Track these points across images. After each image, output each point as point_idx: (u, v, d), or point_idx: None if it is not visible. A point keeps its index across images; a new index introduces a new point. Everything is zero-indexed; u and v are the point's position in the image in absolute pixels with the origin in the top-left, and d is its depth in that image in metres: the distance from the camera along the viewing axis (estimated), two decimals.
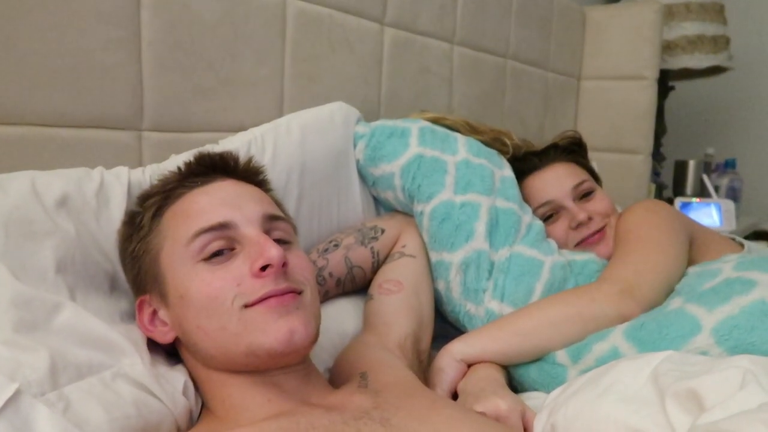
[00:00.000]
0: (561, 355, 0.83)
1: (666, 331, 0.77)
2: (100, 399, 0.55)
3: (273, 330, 0.58)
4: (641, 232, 0.95)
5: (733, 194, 2.19)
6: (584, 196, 1.09)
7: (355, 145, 1.04)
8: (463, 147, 1.04)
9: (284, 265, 0.60)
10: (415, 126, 1.05)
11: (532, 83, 1.68)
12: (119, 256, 0.71)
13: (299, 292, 0.61)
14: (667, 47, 1.98)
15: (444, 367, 0.83)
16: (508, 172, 1.07)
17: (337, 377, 0.75)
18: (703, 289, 0.83)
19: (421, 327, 0.88)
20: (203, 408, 0.66)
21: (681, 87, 2.26)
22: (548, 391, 0.81)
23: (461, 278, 0.93)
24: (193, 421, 0.65)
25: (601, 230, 1.06)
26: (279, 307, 0.59)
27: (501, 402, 0.71)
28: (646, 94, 1.80)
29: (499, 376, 0.82)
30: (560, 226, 1.08)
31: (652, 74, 1.80)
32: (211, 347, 0.61)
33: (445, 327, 1.00)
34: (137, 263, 0.66)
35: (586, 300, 0.85)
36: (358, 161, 1.04)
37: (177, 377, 0.64)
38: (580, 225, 1.05)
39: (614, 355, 0.78)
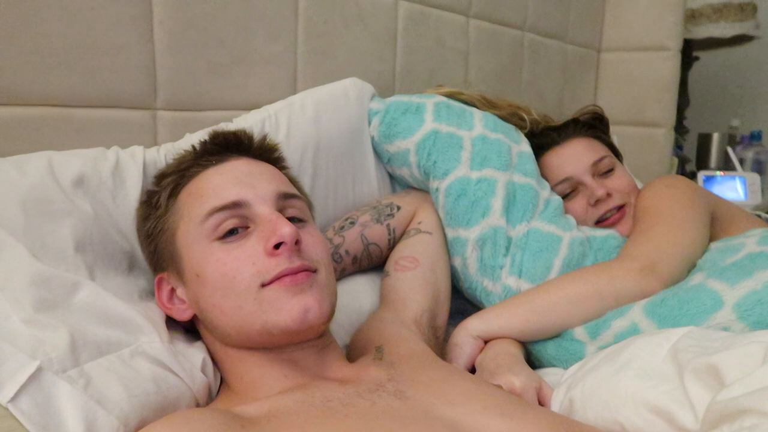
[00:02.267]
0: (579, 332, 0.83)
1: (687, 307, 0.76)
2: (119, 376, 0.56)
3: (287, 308, 0.58)
4: (662, 207, 0.94)
5: (759, 167, 2.14)
6: (604, 172, 1.07)
7: (369, 122, 1.03)
8: (479, 122, 1.02)
9: (297, 243, 0.60)
10: (430, 101, 1.04)
11: (551, 56, 1.64)
12: (137, 235, 0.71)
13: (313, 270, 0.61)
14: (691, 16, 1.92)
15: (460, 344, 0.83)
16: (525, 147, 1.05)
17: (354, 353, 0.75)
18: (726, 264, 0.82)
19: (438, 303, 0.88)
20: (222, 383, 0.67)
21: (705, 57, 2.20)
22: (566, 367, 0.80)
23: (478, 255, 0.92)
24: (212, 396, 0.66)
25: (621, 209, 1.04)
26: (293, 286, 0.59)
27: (515, 379, 0.71)
28: (669, 65, 1.75)
29: (516, 351, 0.81)
30: (579, 203, 1.06)
31: (676, 44, 1.74)
32: (228, 325, 0.61)
33: (463, 303, 1.00)
34: (154, 242, 0.67)
35: (605, 277, 0.84)
36: (372, 138, 1.03)
37: (195, 354, 0.65)
38: (598, 201, 1.03)
39: (633, 332, 0.77)
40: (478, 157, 0.97)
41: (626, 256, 0.87)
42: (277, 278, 0.59)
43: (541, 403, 0.71)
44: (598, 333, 0.81)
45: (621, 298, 0.82)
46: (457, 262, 0.95)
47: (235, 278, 0.59)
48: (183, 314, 0.65)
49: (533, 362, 0.88)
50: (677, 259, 0.86)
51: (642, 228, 0.92)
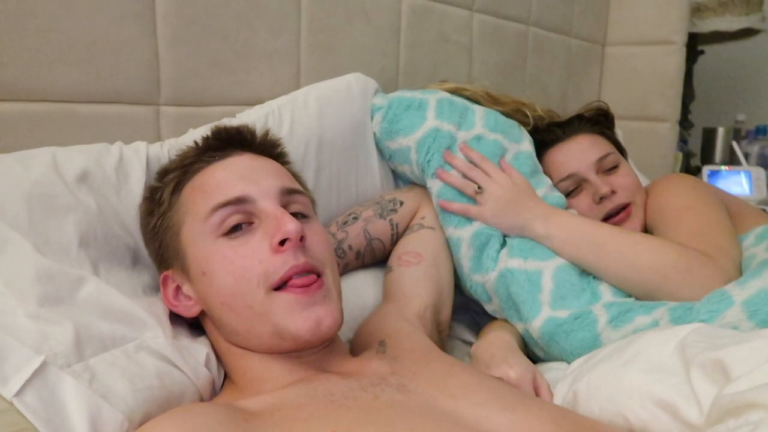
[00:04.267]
0: (602, 322, 0.81)
1: (697, 307, 0.75)
2: (124, 370, 0.56)
3: (300, 319, 0.59)
4: (710, 213, 0.91)
5: (764, 162, 2.12)
6: (608, 169, 1.06)
7: (372, 117, 1.03)
8: (480, 121, 1.01)
9: (302, 239, 0.60)
10: (433, 97, 1.03)
11: (555, 50, 1.63)
12: (141, 231, 0.71)
13: (320, 274, 0.61)
14: (697, 9, 1.91)
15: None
16: (526, 146, 1.03)
17: (357, 348, 0.75)
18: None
19: (441, 298, 0.88)
20: (226, 379, 0.67)
21: (711, 51, 2.18)
22: (570, 360, 0.80)
23: (472, 254, 0.91)
24: (216, 391, 0.66)
25: (626, 207, 1.02)
26: (306, 297, 0.59)
27: (511, 370, 0.71)
28: (674, 59, 1.74)
29: (510, 339, 0.81)
30: (584, 200, 1.04)
31: (681, 38, 1.74)
32: (238, 323, 0.61)
33: (466, 299, 0.99)
34: (159, 238, 0.67)
35: (691, 279, 0.80)
36: (375, 134, 1.03)
37: (199, 349, 0.65)
38: (603, 199, 1.02)
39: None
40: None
41: (715, 263, 0.82)
42: (287, 281, 0.59)
43: (536, 393, 0.71)
44: (620, 324, 0.79)
45: (676, 295, 0.80)
46: (455, 260, 0.94)
47: (243, 276, 0.59)
48: (190, 311, 0.65)
49: (536, 354, 0.88)
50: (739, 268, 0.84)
51: (701, 230, 0.88)
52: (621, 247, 0.85)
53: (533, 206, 0.92)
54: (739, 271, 0.83)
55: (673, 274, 0.80)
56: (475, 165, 0.95)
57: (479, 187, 0.93)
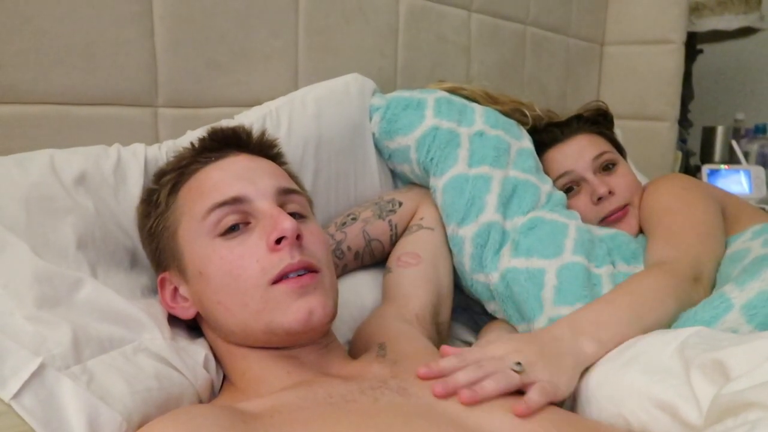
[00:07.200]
0: None
1: (694, 311, 0.75)
2: (122, 372, 0.56)
3: (292, 310, 0.59)
4: (686, 212, 0.91)
5: (764, 160, 2.12)
6: (606, 167, 1.06)
7: (370, 118, 1.03)
8: (480, 118, 1.01)
9: (299, 237, 0.61)
10: (431, 97, 1.03)
11: (553, 50, 1.63)
12: (138, 233, 0.71)
13: (316, 270, 0.61)
14: (695, 8, 1.91)
15: None
16: (526, 143, 1.04)
17: (356, 349, 0.75)
18: (736, 274, 0.80)
19: (440, 299, 0.88)
20: (224, 380, 0.67)
21: (710, 50, 2.18)
22: None
23: (473, 252, 0.91)
24: (215, 393, 0.66)
25: (624, 207, 1.02)
26: (298, 288, 0.59)
27: (494, 348, 0.65)
28: (673, 58, 1.74)
29: (506, 325, 0.80)
30: (582, 200, 1.04)
31: (679, 37, 1.73)
32: (232, 323, 0.61)
33: (465, 299, 0.99)
34: (156, 240, 0.67)
35: (686, 301, 0.78)
36: (373, 134, 1.02)
37: (198, 351, 0.65)
38: (601, 199, 1.02)
39: None
40: (476, 154, 0.96)
41: (675, 264, 0.82)
42: (283, 276, 0.59)
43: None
44: None
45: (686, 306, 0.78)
46: (456, 260, 0.94)
47: (240, 276, 0.60)
48: (186, 312, 0.66)
49: None
50: (714, 271, 0.84)
51: (674, 231, 0.88)
52: (652, 309, 0.75)
53: (553, 334, 0.71)
54: (711, 270, 0.83)
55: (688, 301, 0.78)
56: (470, 363, 0.62)
57: (518, 363, 0.64)
